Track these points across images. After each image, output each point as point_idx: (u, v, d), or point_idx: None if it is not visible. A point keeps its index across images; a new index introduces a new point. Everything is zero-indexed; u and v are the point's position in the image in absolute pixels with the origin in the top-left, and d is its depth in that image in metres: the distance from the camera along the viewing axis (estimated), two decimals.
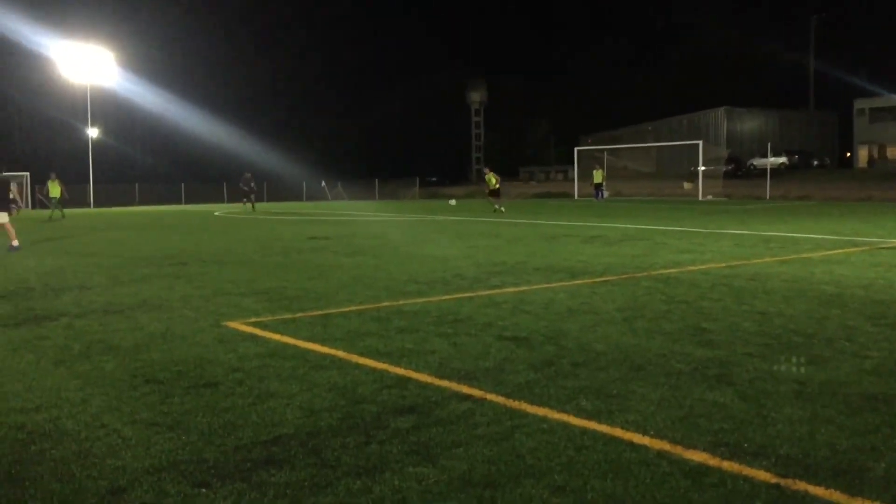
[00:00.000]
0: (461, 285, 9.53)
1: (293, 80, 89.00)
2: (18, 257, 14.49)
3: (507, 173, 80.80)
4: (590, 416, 4.32)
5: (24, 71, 65.44)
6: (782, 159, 56.46)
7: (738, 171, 56.02)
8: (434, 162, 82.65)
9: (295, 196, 60.07)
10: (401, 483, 3.47)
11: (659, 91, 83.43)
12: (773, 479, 3.44)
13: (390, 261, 12.54)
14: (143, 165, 69.79)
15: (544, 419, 4.30)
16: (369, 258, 13.06)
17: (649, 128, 72.06)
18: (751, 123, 67.84)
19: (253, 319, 7.42)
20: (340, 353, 5.92)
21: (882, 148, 65.02)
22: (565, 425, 4.19)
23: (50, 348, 6.34)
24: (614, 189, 49.42)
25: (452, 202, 30.39)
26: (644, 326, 6.80)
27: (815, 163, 59.71)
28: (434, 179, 72.11)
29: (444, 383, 5.04)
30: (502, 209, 29.45)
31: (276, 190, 57.28)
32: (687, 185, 48.91)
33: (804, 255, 12.29)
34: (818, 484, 3.39)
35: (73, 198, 48.29)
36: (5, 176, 16.72)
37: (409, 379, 5.17)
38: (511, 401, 4.63)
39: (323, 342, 6.32)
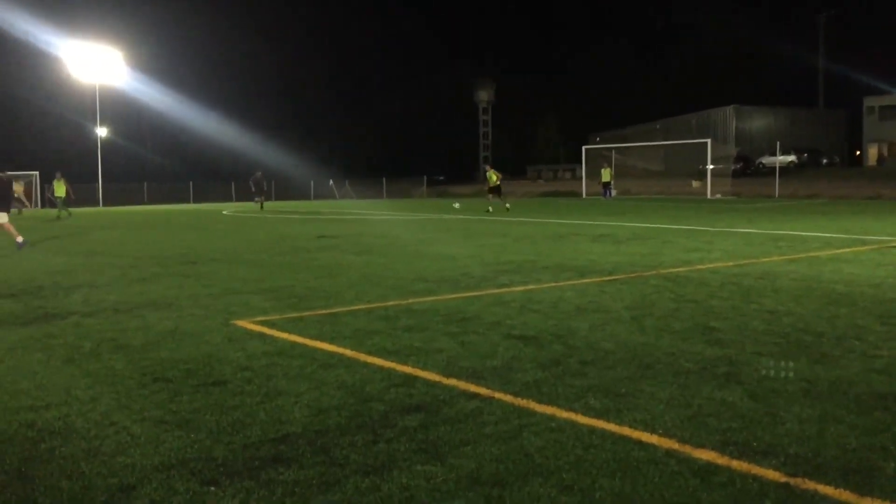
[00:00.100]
0: (469, 284, 9.53)
1: (302, 79, 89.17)
2: (27, 255, 14.56)
3: (514, 172, 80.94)
4: (598, 415, 4.32)
5: (33, 71, 65.78)
6: (791, 158, 56.27)
7: (746, 169, 55.87)
8: (442, 161, 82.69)
9: (303, 195, 60.19)
10: (409, 481, 3.48)
11: (667, 89, 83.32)
12: (782, 479, 3.43)
13: (398, 259, 12.55)
14: (151, 164, 70.03)
15: (552, 418, 4.29)
16: (377, 257, 13.07)
17: (657, 126, 71.91)
18: (759, 122, 67.63)
19: (261, 318, 7.43)
20: (348, 352, 5.92)
21: (892, 146, 64.70)
22: (573, 424, 4.19)
23: (59, 346, 6.37)
24: (622, 188, 49.34)
25: (456, 205, 30.32)
26: (653, 325, 6.79)
27: (825, 161, 59.49)
28: (442, 178, 72.14)
29: (452, 382, 5.04)
30: (507, 206, 29.39)
31: (284, 189, 57.39)
32: (695, 184, 48.78)
33: (813, 254, 12.24)
34: (827, 483, 3.38)
35: (83, 197, 48.52)
36: (8, 175, 16.77)
37: (416, 377, 5.17)
38: (519, 399, 4.63)
39: (331, 341, 6.33)
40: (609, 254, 12.81)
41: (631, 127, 74.75)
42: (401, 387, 4.95)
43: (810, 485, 3.36)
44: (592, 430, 4.08)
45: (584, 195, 49.61)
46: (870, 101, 66.12)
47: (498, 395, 4.73)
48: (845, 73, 67.33)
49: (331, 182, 63.46)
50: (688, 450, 3.78)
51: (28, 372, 5.55)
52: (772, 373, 5.14)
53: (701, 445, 3.84)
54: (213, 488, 3.44)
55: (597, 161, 49.60)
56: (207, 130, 69.39)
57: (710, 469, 3.56)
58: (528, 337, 6.35)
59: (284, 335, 6.59)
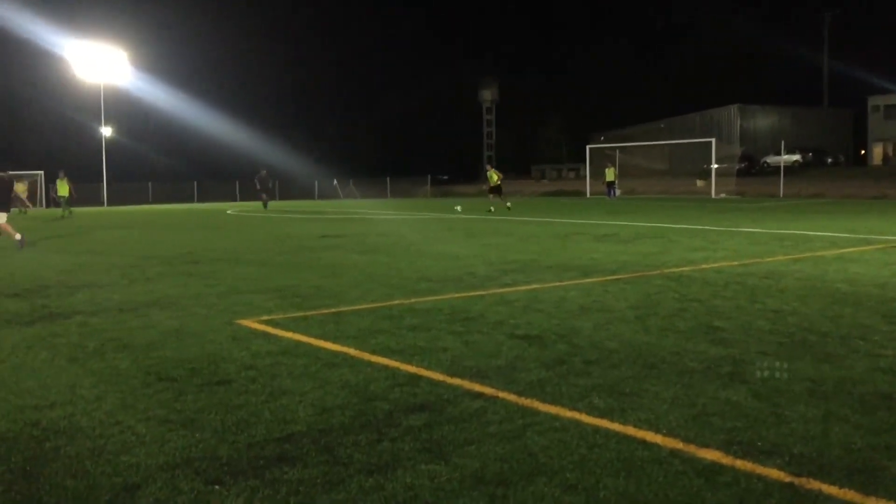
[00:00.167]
0: (473, 283, 9.53)
1: (306, 79, 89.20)
2: (32, 255, 14.59)
3: (518, 171, 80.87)
4: (602, 415, 4.32)
5: (38, 70, 65.89)
6: (796, 157, 56.11)
7: (751, 168, 55.76)
8: (445, 160, 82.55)
9: (307, 194, 60.23)
10: (413, 480, 3.48)
11: (672, 89, 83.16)
12: (787, 478, 3.43)
13: (402, 259, 12.55)
14: (156, 164, 70.13)
15: (556, 417, 4.29)
16: (381, 256, 13.08)
17: (662, 125, 71.78)
18: (764, 121, 67.49)
19: (265, 317, 7.44)
20: (352, 351, 5.93)
21: None
22: (577, 423, 4.19)
23: (64, 346, 6.38)
24: (627, 187, 49.29)
25: (458, 208, 30.35)
26: (657, 325, 6.78)
27: (829, 160, 59.32)
28: (445, 178, 72.06)
29: (456, 381, 5.04)
30: (508, 205, 29.35)
31: (288, 188, 57.43)
32: (700, 183, 48.72)
33: (818, 254, 12.22)
34: (832, 483, 3.37)
35: (87, 196, 48.68)
36: (9, 175, 16.80)
37: (420, 377, 5.17)
38: (523, 399, 4.63)
39: (335, 340, 6.33)
40: (613, 253, 12.80)
41: (635, 126, 74.64)
42: (405, 386, 4.95)
43: (815, 484, 3.36)
44: (596, 430, 4.08)
45: (587, 194, 49.58)
46: (874, 100, 65.95)
47: (502, 394, 4.73)
48: (850, 72, 67.22)
49: (335, 181, 63.49)
50: (692, 449, 3.78)
51: (33, 371, 5.56)
52: (766, 374, 5.13)
53: (705, 445, 3.83)
54: (217, 487, 3.45)
55: (601, 160, 49.59)
56: (212, 130, 69.45)
57: (714, 469, 3.55)
58: (532, 336, 6.35)
59: (289, 334, 6.60)
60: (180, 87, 66.77)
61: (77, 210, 35.06)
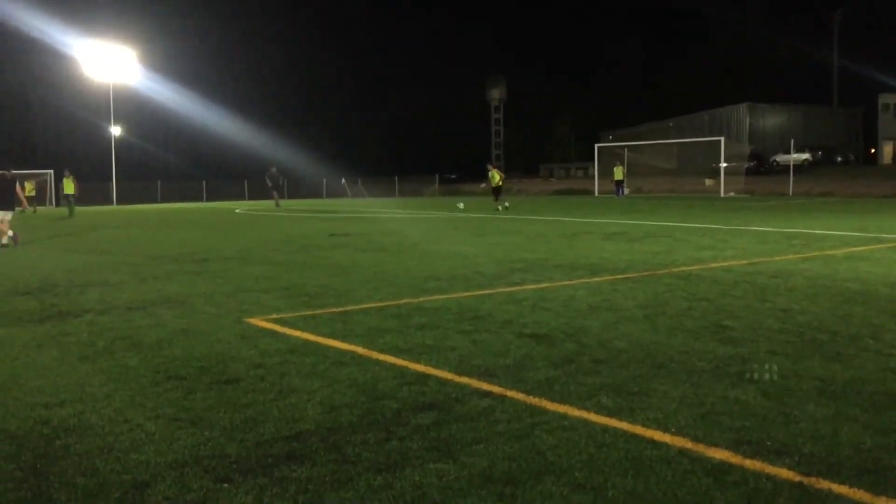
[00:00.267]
0: (481, 282, 9.53)
1: (314, 78, 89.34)
2: (42, 254, 14.66)
3: (527, 170, 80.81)
4: (611, 414, 4.31)
5: (48, 70, 66.20)
6: (805, 156, 55.85)
7: (760, 167, 55.54)
8: (454, 159, 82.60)
9: (315, 193, 60.34)
10: (421, 479, 3.48)
11: (680, 87, 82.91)
12: (796, 478, 3.41)
13: (410, 258, 12.56)
14: (165, 163, 70.35)
15: (565, 416, 4.29)
16: (389, 255, 13.09)
17: (670, 124, 71.60)
18: (773, 119, 67.22)
19: (274, 316, 7.46)
20: (361, 350, 5.93)
21: None
22: (586, 422, 4.18)
23: (74, 344, 6.41)
24: (635, 186, 49.19)
25: (461, 205, 30.38)
26: (665, 324, 6.77)
27: (839, 159, 59.00)
28: (454, 177, 72.07)
29: (464, 380, 5.04)
30: (505, 205, 29.31)
31: (296, 187, 57.53)
32: (709, 182, 48.56)
33: (828, 252, 12.17)
34: (842, 483, 3.36)
35: (97, 195, 48.92)
36: (12, 174, 16.85)
37: (429, 375, 5.18)
38: (531, 398, 4.63)
39: (343, 339, 6.34)
40: (622, 252, 12.78)
41: (644, 125, 74.48)
42: (413, 385, 4.95)
43: (824, 484, 3.34)
44: (605, 429, 4.07)
45: (596, 193, 49.50)
46: (884, 99, 65.56)
47: (510, 393, 4.73)
48: (860, 71, 66.89)
49: (343, 180, 63.58)
50: (701, 449, 3.77)
51: (43, 369, 5.59)
52: (785, 371, 5.12)
53: (714, 444, 3.82)
54: (226, 485, 3.46)
55: (609, 159, 49.47)
56: (220, 129, 69.67)
57: (723, 468, 3.54)
58: (540, 335, 6.34)
59: (297, 333, 6.61)
60: (189, 86, 66.97)
61: (87, 209, 35.23)
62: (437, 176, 65.63)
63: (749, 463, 3.59)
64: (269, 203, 39.49)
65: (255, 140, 66.97)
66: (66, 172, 33.77)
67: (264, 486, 3.44)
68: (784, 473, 3.47)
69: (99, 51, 51.69)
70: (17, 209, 17.56)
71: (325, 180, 62.85)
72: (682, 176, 54.81)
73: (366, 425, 4.21)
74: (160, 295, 8.98)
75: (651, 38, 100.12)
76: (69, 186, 33.34)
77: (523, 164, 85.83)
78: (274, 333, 6.65)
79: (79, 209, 34.43)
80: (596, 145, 53.92)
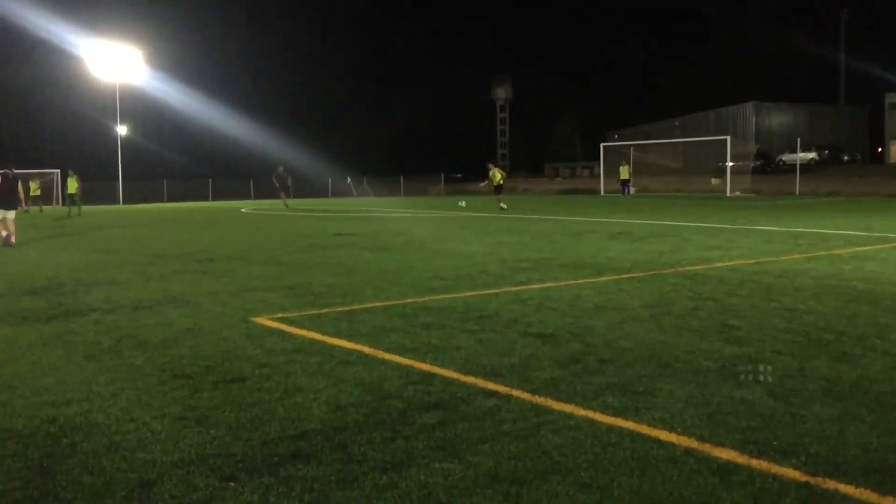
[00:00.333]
0: (487, 281, 9.52)
1: (319, 77, 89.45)
2: (48, 253, 14.70)
3: (532, 169, 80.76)
4: (616, 413, 4.30)
5: (54, 69, 66.38)
6: (812, 155, 55.67)
7: (766, 166, 55.38)
8: (459, 158, 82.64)
9: (321, 192, 60.39)
10: (427, 478, 3.48)
11: (686, 86, 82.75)
12: (803, 478, 3.41)
13: (416, 257, 12.56)
14: (171, 162, 70.51)
15: (570, 416, 4.28)
16: (395, 254, 13.09)
17: (676, 123, 71.48)
18: (780, 118, 67.02)
19: (279, 315, 7.47)
20: (366, 349, 5.94)
21: None
22: (591, 422, 4.18)
23: (80, 343, 6.43)
24: (641, 185, 49.13)
25: (462, 203, 30.40)
26: (671, 323, 6.76)
27: (846, 158, 58.78)
28: (459, 176, 72.09)
29: (470, 379, 5.04)
30: (502, 206, 29.22)
31: (301, 186, 57.58)
32: (715, 181, 48.46)
33: (834, 252, 12.14)
34: (848, 482, 3.35)
35: (103, 195, 49.04)
36: (14, 173, 16.87)
37: (434, 375, 5.18)
38: (537, 397, 4.62)
39: (349, 338, 6.35)
40: (627, 251, 12.76)
41: (649, 124, 74.36)
42: (419, 384, 4.95)
43: (831, 484, 3.34)
44: (611, 429, 4.07)
45: (601, 192, 49.46)
46: (891, 98, 65.26)
47: (516, 392, 4.73)
48: (867, 69, 66.65)
49: (348, 180, 63.63)
50: (707, 448, 3.76)
51: (49, 368, 5.60)
52: (792, 371, 5.10)
53: (720, 444, 3.81)
54: (232, 484, 3.46)
55: (615, 158, 49.45)
56: (226, 128, 69.80)
57: (729, 468, 3.53)
58: (545, 335, 6.34)
59: (303, 332, 6.61)
60: (195, 85, 67.13)
61: (93, 208, 35.30)
62: (442, 175, 65.64)
63: (755, 463, 3.58)
64: (276, 202, 39.44)
65: (261, 139, 67.09)
66: (70, 172, 33.88)
67: (270, 484, 3.45)
68: (790, 473, 3.46)
69: (105, 50, 51.79)
70: (39, 208, 17.64)
71: (330, 180, 62.89)
72: (689, 175, 54.74)
73: (371, 424, 4.21)
74: (166, 294, 9.00)
75: (655, 38, 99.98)
76: (72, 186, 33.44)
77: (528, 164, 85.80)
78: (280, 333, 6.65)
79: (85, 208, 34.51)
80: (602, 144, 53.89)
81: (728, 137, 46.83)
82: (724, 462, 3.60)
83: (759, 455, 3.67)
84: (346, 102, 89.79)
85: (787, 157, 55.87)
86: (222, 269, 11.46)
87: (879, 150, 69.38)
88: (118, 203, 51.61)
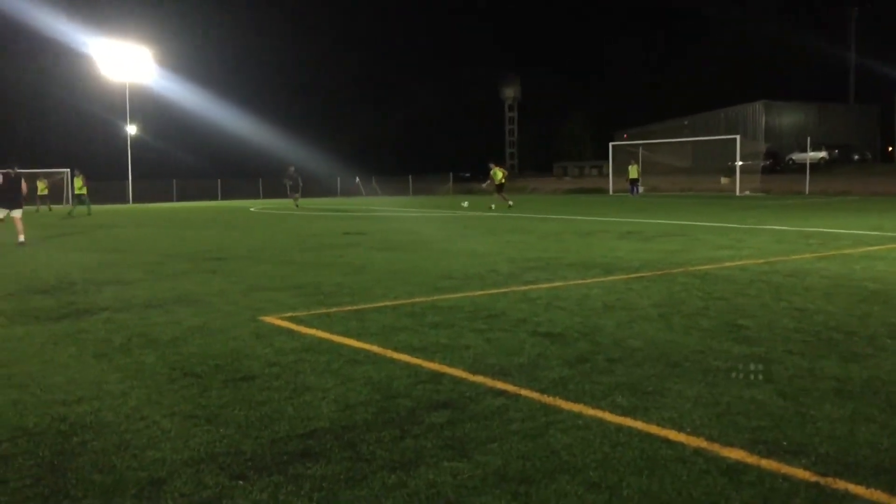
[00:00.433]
0: (495, 281, 9.52)
1: (328, 77, 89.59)
2: (59, 252, 14.77)
3: (541, 169, 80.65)
4: (625, 413, 4.30)
5: (63, 69, 66.69)
6: (822, 154, 55.47)
7: (776, 165, 55.22)
8: (468, 158, 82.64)
9: (329, 192, 60.48)
10: (435, 477, 3.48)
11: (696, 85, 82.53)
12: (813, 478, 3.39)
13: (424, 256, 12.56)
14: (180, 162, 70.73)
15: (579, 415, 4.28)
16: (403, 253, 13.10)
17: (685, 122, 71.27)
18: (790, 117, 66.78)
19: (289, 314, 7.48)
20: (375, 348, 5.94)
21: None
22: (600, 422, 4.17)
23: (91, 341, 6.45)
24: (650, 184, 49.00)
25: (465, 204, 30.46)
26: (680, 323, 6.74)
27: (856, 157, 58.54)
28: (468, 175, 72.11)
29: (479, 378, 5.04)
30: (492, 206, 29.13)
31: (310, 185, 57.66)
32: (724, 181, 48.32)
33: (845, 252, 12.08)
34: (859, 483, 3.33)
35: (113, 194, 49.24)
36: (17, 172, 16.89)
37: (443, 374, 5.18)
38: (546, 396, 4.62)
39: (358, 337, 6.35)
40: (636, 251, 12.74)
41: (658, 123, 74.18)
42: (427, 383, 4.96)
43: (841, 484, 3.32)
44: (620, 428, 4.06)
45: (610, 192, 49.37)
46: None
47: (524, 392, 4.73)
48: (877, 68, 66.31)
49: (357, 179, 63.71)
50: (716, 448, 3.76)
51: (60, 366, 5.63)
52: (802, 371, 5.08)
53: (729, 444, 3.80)
54: (241, 482, 3.47)
55: (624, 158, 49.35)
56: (235, 128, 69.98)
57: (738, 468, 3.53)
58: (554, 334, 6.33)
59: (312, 331, 6.63)
60: (204, 85, 67.32)
61: (103, 208, 35.42)
62: (450, 174, 65.65)
63: (765, 463, 3.57)
64: (284, 202, 39.48)
65: (270, 139, 67.23)
66: (76, 172, 34.06)
67: (279, 483, 3.46)
68: (800, 473, 3.45)
69: (115, 50, 52.00)
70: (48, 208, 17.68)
71: (339, 179, 62.99)
72: (698, 174, 54.59)
73: (380, 423, 4.21)
74: (176, 293, 9.03)
75: (664, 37, 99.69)
76: (78, 185, 33.62)
77: (537, 163, 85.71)
78: (289, 332, 6.67)
79: (95, 208, 34.65)
80: (611, 144, 53.79)
81: (738, 136, 46.70)
82: (734, 462, 3.59)
83: (768, 455, 3.66)
84: (355, 102, 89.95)
85: (797, 157, 55.68)
86: (231, 268, 11.49)
87: (890, 149, 69.05)
88: (128, 202, 51.82)
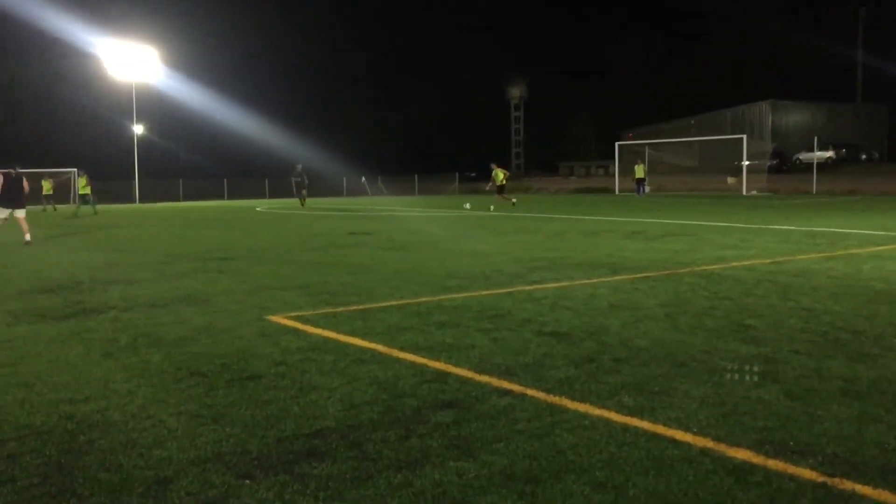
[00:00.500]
0: (501, 280, 9.52)
1: (334, 76, 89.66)
2: (66, 252, 14.81)
3: (547, 168, 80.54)
4: (631, 413, 4.29)
5: (71, 69, 66.87)
6: (829, 153, 55.27)
7: (783, 165, 55.06)
8: (473, 157, 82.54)
9: (335, 191, 60.54)
10: (441, 477, 3.48)
11: (702, 84, 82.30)
12: (820, 478, 3.38)
13: (430, 256, 12.56)
14: (186, 161, 70.86)
15: (585, 415, 4.27)
16: (409, 253, 13.10)
17: (692, 122, 71.10)
18: (797, 117, 66.56)
19: (294, 313, 7.49)
20: (381, 348, 5.95)
21: None
22: (606, 421, 4.16)
23: (98, 341, 6.47)
24: (656, 184, 48.95)
25: (467, 206, 30.50)
26: (687, 322, 6.73)
27: (864, 157, 58.31)
28: (473, 175, 72.11)
29: (484, 378, 5.04)
30: (491, 208, 29.07)
31: (316, 185, 57.71)
32: (731, 180, 48.23)
33: (852, 251, 12.05)
34: (866, 483, 3.32)
35: (119, 194, 49.38)
36: (17, 172, 16.90)
37: (449, 374, 5.18)
38: (552, 396, 4.62)
39: (364, 336, 6.36)
40: (642, 251, 12.72)
41: (665, 123, 74.04)
42: (433, 383, 4.96)
43: (848, 485, 3.31)
44: (626, 428, 4.05)
45: (616, 191, 49.31)
46: None
47: (530, 391, 4.72)
48: (885, 67, 66.01)
49: (363, 179, 63.77)
50: (723, 448, 3.75)
51: (67, 365, 5.64)
52: (809, 371, 5.07)
53: (736, 444, 3.79)
54: (247, 481, 3.48)
55: (630, 157, 49.28)
56: (241, 128, 70.07)
57: (745, 468, 3.52)
58: (560, 334, 6.32)
59: (318, 331, 6.63)
60: (210, 85, 67.42)
61: (110, 207, 35.52)
62: (456, 174, 65.64)
63: (772, 463, 3.56)
64: (290, 201, 39.49)
65: (276, 138, 67.32)
66: (81, 172, 34.17)
67: (285, 482, 3.46)
68: (807, 474, 3.44)
69: (121, 50, 52.14)
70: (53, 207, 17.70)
71: (345, 179, 63.05)
72: (704, 174, 54.48)
73: (386, 423, 4.22)
74: (182, 292, 9.05)
75: (672, 35, 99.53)
76: (82, 186, 33.72)
77: (543, 163, 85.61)
78: (295, 331, 6.67)
79: (101, 207, 34.74)
80: (617, 143, 53.72)
81: (744, 136, 46.61)
82: (740, 462, 3.58)
83: (775, 455, 3.65)
84: (361, 101, 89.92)
85: (803, 156, 55.50)
86: (237, 267, 11.51)
87: None
88: (134, 202, 51.95)
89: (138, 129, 55.47)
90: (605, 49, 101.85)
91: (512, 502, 3.23)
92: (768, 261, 11.02)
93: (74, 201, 49.32)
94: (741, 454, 3.67)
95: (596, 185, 56.92)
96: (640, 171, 44.15)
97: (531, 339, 6.17)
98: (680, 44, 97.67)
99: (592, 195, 47.18)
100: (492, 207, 29.13)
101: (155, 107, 63.87)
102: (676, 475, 3.45)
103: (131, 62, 52.30)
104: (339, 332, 6.57)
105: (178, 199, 55.07)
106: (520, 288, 8.88)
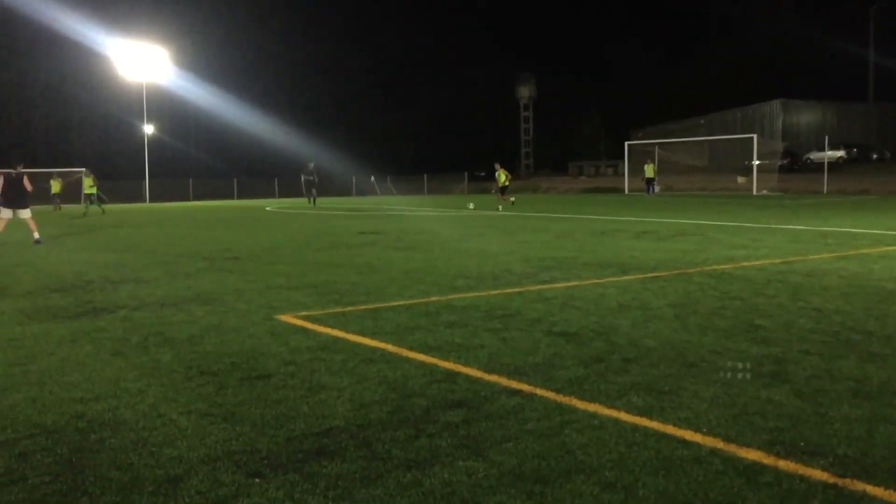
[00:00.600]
0: (510, 280, 9.51)
1: (344, 76, 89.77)
2: (76, 251, 14.88)
3: (556, 168, 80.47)
4: (641, 413, 4.28)
5: (81, 69, 67.16)
6: (840, 153, 54.96)
7: (793, 165, 54.81)
8: (482, 157, 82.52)
9: (345, 191, 60.63)
10: (450, 476, 3.48)
11: (712, 84, 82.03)
12: (831, 479, 3.37)
13: (439, 255, 12.57)
14: (196, 161, 71.08)
15: (595, 415, 4.27)
16: (418, 253, 13.11)
17: (702, 121, 70.86)
18: (807, 116, 66.23)
19: (304, 313, 7.50)
20: (390, 347, 5.95)
21: None
22: (616, 421, 4.16)
23: (108, 340, 6.50)
24: (666, 184, 48.82)
25: (471, 206, 30.54)
26: (696, 323, 6.71)
27: (875, 156, 57.94)
28: (482, 174, 72.08)
29: (494, 378, 5.04)
30: (499, 207, 29.07)
31: (326, 185, 57.82)
32: (741, 180, 48.06)
33: (863, 251, 11.99)
34: (877, 484, 3.31)
35: (130, 193, 49.59)
36: (19, 172, 16.85)
37: (458, 373, 5.18)
38: (561, 396, 4.61)
39: (373, 336, 6.36)
40: (652, 250, 12.69)
41: (675, 122, 73.82)
42: (442, 382, 4.96)
43: (859, 486, 3.30)
44: (635, 428, 4.05)
45: (626, 191, 49.21)
46: None
47: (540, 391, 4.72)
48: None
49: (372, 178, 63.87)
50: (733, 449, 3.73)
51: (78, 364, 5.67)
52: (820, 372, 5.04)
53: (746, 445, 3.78)
54: (257, 480, 3.48)
55: (640, 157, 49.19)
56: (251, 127, 70.30)
57: (755, 469, 3.50)
58: (569, 333, 6.32)
59: (327, 330, 6.64)
60: (221, 85, 67.66)
61: (120, 207, 35.66)
62: (465, 174, 65.64)
63: (782, 464, 3.55)
64: (300, 201, 39.54)
65: (286, 138, 67.48)
66: (86, 172, 34.33)
67: (295, 481, 3.47)
68: (818, 474, 3.42)
69: (132, 50, 52.38)
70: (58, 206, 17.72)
71: (354, 178, 63.15)
72: (714, 174, 54.33)
73: (395, 422, 4.22)
74: (192, 292, 9.08)
75: (684, 34, 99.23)
76: (87, 185, 33.86)
77: (552, 162, 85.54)
78: (304, 330, 6.69)
79: (111, 207, 34.88)
80: (626, 143, 53.61)
81: (755, 135, 46.45)
82: (751, 463, 3.57)
83: (785, 456, 3.64)
84: (371, 101, 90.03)
85: (814, 156, 55.21)
86: (247, 267, 11.54)
87: None
88: (144, 201, 52.16)
89: (149, 128, 55.72)
90: (614, 48, 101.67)
91: (521, 502, 3.23)
92: (779, 261, 10.98)
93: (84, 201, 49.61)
94: (751, 455, 3.66)
95: (605, 185, 56.85)
96: (649, 170, 44.07)
97: (540, 338, 6.17)
98: (689, 43, 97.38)
99: (602, 195, 47.11)
100: (500, 207, 29.14)
101: (165, 107, 64.16)
102: (686, 475, 3.44)
103: (142, 62, 52.55)
104: (348, 331, 6.58)
105: (188, 199, 55.27)
106: (529, 288, 8.88)
